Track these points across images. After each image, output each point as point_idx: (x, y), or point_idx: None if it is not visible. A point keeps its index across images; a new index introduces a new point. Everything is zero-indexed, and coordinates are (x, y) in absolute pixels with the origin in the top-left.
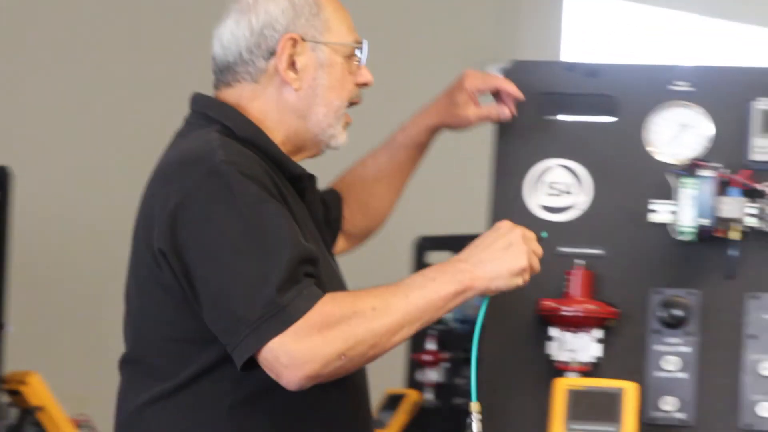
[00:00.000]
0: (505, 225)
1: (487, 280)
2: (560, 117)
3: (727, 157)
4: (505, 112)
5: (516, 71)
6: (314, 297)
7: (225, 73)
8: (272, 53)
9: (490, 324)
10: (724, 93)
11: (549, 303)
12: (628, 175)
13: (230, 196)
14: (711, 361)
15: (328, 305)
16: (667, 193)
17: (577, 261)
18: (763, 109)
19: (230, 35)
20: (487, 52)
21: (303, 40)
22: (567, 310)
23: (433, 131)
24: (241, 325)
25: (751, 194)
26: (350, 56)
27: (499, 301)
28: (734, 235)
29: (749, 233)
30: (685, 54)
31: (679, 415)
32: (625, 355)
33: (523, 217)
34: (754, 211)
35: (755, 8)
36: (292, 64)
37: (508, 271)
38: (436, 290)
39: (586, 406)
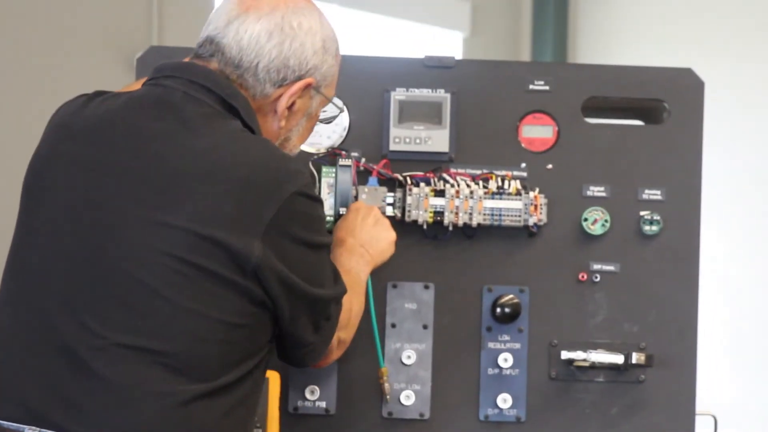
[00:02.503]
0: (361, 205)
1: (378, 255)
2: None
3: (366, 147)
4: None
5: (152, 57)
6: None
7: (228, 64)
8: (282, 84)
9: None
10: (361, 83)
11: None
12: None
13: (318, 219)
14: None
15: (346, 302)
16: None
17: None
18: (401, 99)
19: (255, 42)
20: (136, 41)
21: (313, 87)
22: None
23: None
24: (331, 322)
25: (390, 183)
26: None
27: None
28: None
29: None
30: None
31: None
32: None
33: None
34: (392, 201)
35: (392, 0)
36: (291, 104)
37: (388, 244)
38: (364, 278)
39: None
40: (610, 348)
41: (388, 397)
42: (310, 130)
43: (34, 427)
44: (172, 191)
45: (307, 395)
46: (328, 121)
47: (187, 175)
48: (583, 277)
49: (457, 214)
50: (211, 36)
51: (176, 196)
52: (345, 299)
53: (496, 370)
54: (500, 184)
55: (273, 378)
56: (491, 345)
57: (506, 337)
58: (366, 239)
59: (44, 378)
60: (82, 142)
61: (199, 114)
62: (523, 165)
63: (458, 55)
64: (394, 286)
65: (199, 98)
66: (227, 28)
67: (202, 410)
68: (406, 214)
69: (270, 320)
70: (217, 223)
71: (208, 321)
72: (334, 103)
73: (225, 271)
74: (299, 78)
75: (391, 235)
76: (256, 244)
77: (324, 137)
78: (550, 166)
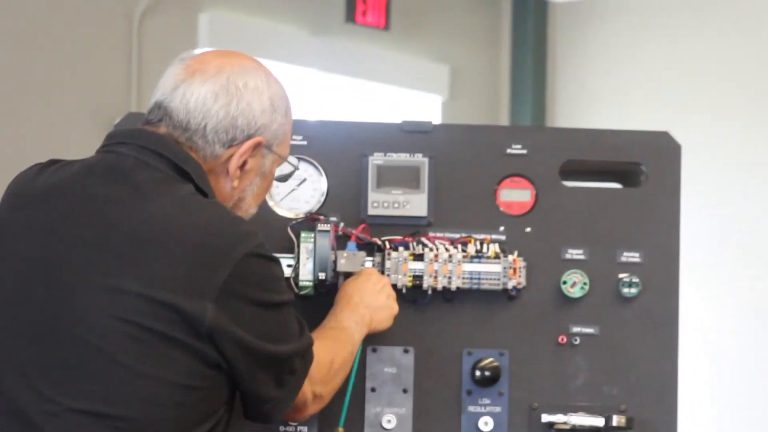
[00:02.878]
0: (375, 272)
1: (378, 323)
2: None
3: (344, 211)
4: None
5: (130, 123)
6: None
7: (177, 127)
8: (232, 144)
9: None
10: (339, 148)
11: None
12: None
13: (275, 278)
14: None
15: (322, 355)
16: (292, 248)
17: None
18: (378, 164)
19: (201, 104)
20: (115, 107)
21: (264, 146)
22: None
23: None
24: (297, 375)
25: (369, 248)
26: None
27: None
28: None
29: None
30: (301, 108)
31: None
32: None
33: None
34: (371, 265)
35: (371, 65)
36: (242, 163)
37: (389, 315)
38: (358, 338)
39: None
40: (591, 411)
41: None
42: (266, 189)
43: None
44: (124, 257)
45: None
46: (284, 179)
47: (139, 240)
48: (562, 339)
49: (436, 278)
50: (159, 101)
51: (129, 262)
52: (325, 354)
53: None
54: (479, 247)
55: None
56: (471, 409)
57: (486, 401)
58: (371, 302)
59: None
60: (36, 211)
61: (151, 179)
62: (502, 228)
63: (437, 118)
64: (374, 350)
65: (151, 163)
66: (174, 92)
67: None
68: None
69: (227, 381)
70: (170, 287)
71: (163, 385)
72: (288, 161)
73: (179, 334)
74: (249, 137)
75: (395, 307)
76: (209, 307)
77: (302, 202)
78: (528, 229)
